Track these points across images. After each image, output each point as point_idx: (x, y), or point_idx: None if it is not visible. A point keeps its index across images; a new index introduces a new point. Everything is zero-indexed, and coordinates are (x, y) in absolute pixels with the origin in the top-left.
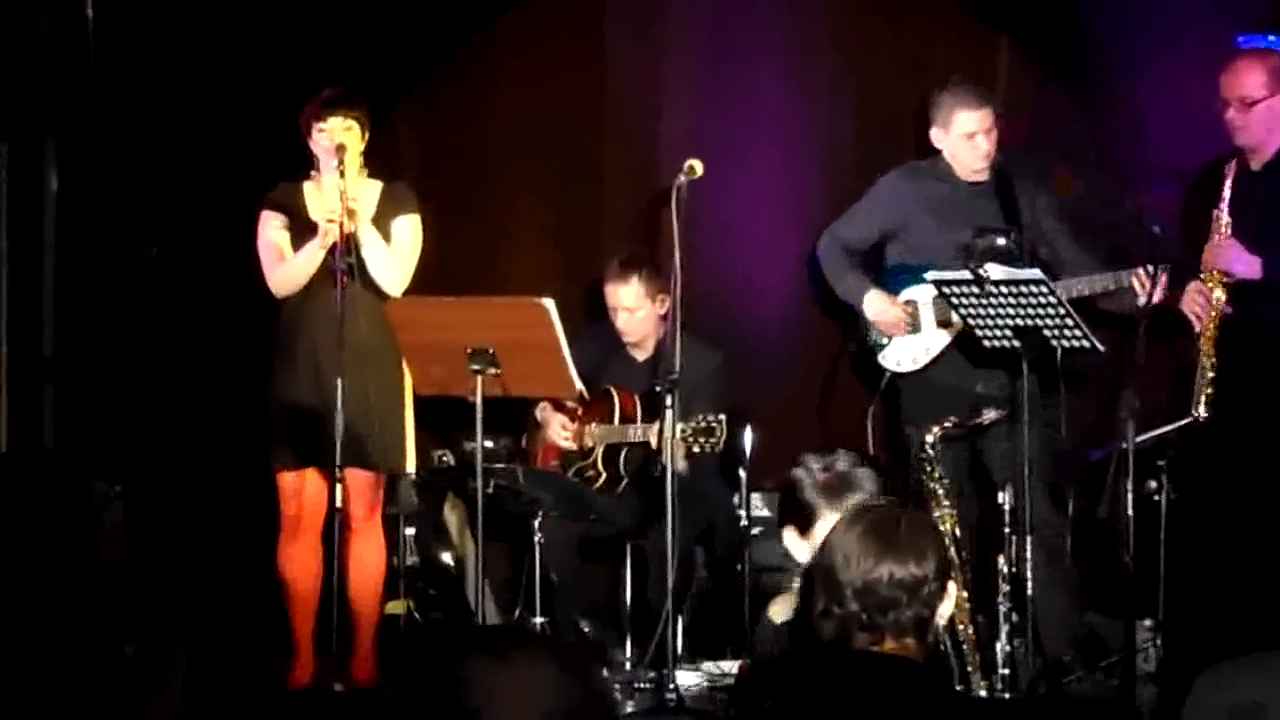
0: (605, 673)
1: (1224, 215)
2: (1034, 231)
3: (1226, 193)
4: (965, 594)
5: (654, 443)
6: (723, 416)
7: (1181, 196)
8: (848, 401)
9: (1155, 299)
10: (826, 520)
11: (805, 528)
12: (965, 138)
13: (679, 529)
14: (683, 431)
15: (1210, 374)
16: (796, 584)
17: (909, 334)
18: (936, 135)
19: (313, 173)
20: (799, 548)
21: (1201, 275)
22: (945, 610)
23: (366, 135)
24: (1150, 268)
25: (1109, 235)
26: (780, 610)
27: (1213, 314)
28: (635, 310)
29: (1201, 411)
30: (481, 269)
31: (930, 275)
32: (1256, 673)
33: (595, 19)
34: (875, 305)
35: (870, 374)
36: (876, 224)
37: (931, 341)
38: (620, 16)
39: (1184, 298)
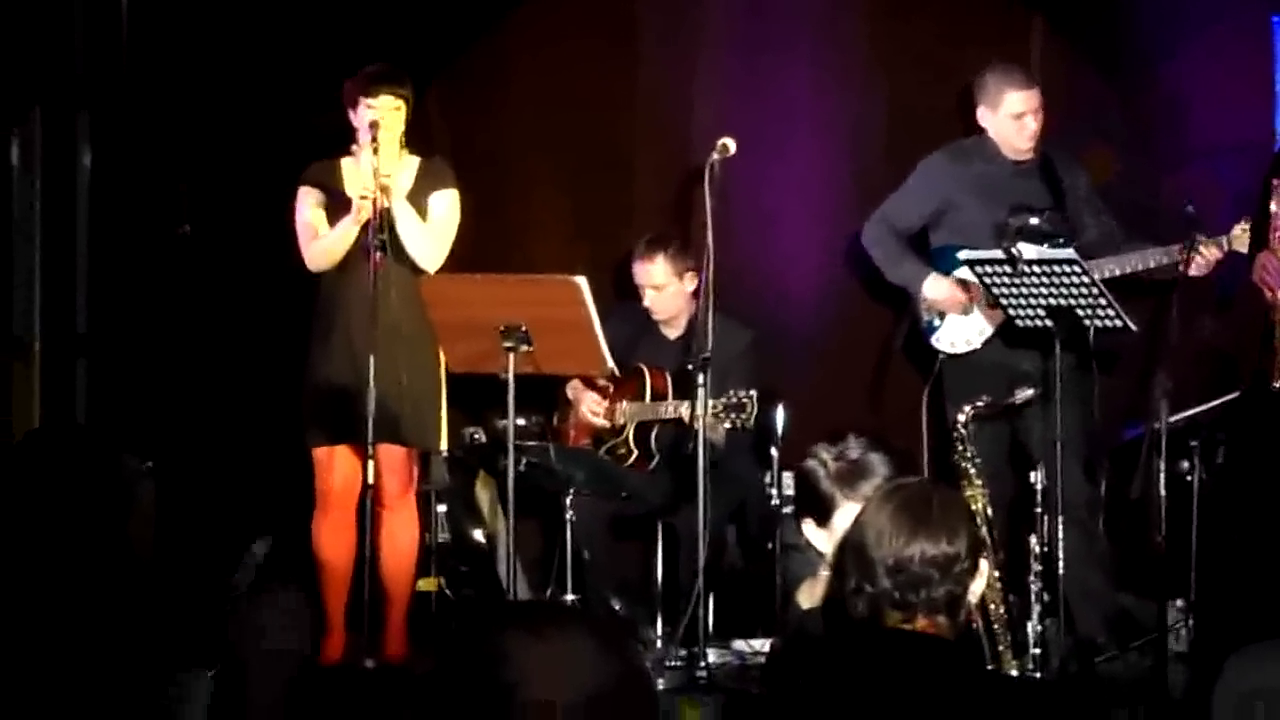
0: (641, 649)
1: None
2: (1076, 211)
3: None
4: (997, 573)
5: (686, 419)
6: (754, 392)
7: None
8: (898, 386)
9: (1192, 272)
10: (844, 509)
11: (824, 518)
12: (1013, 118)
13: (710, 508)
14: (714, 408)
15: None
16: (824, 570)
17: (962, 315)
18: (983, 114)
19: (353, 147)
20: (819, 538)
21: (1270, 246)
22: (977, 588)
23: (409, 114)
24: (1186, 243)
25: (1146, 217)
26: (808, 595)
27: None
28: (663, 288)
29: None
30: (512, 252)
31: (963, 255)
32: None
33: (627, 5)
34: (938, 288)
35: (921, 357)
36: (924, 206)
37: (984, 323)
38: (652, 3)
39: (1254, 268)
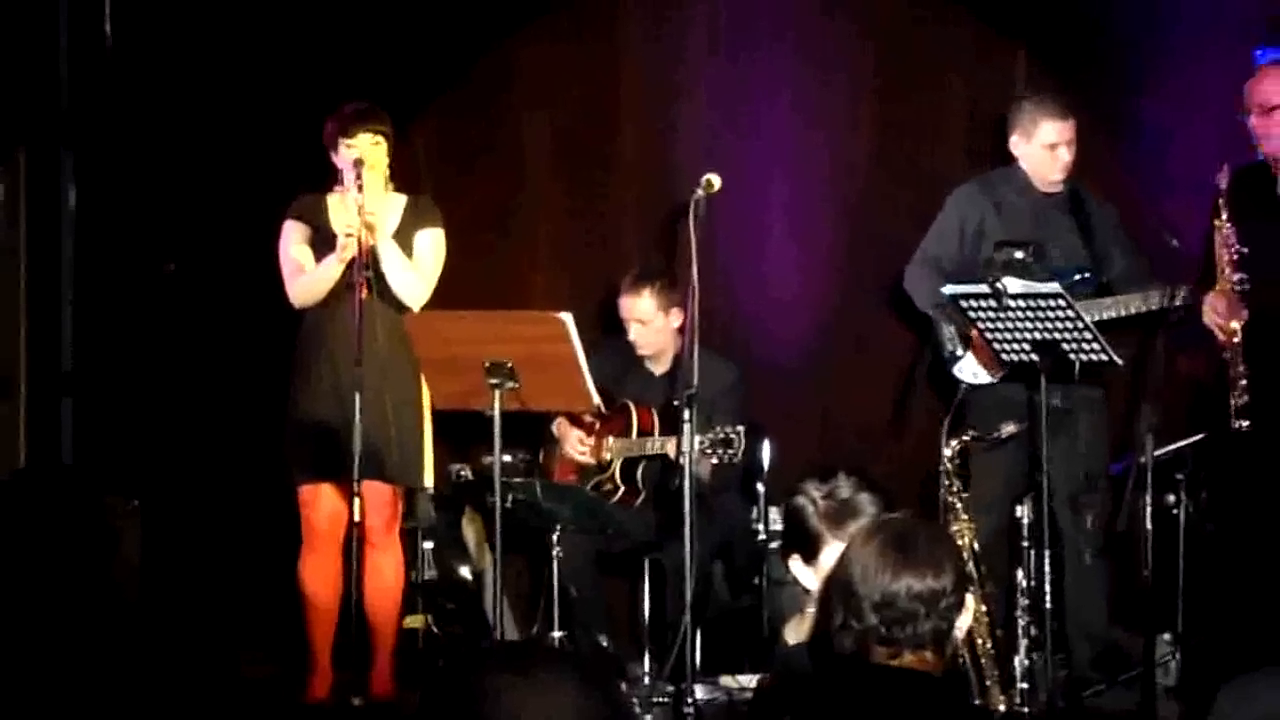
0: (624, 686)
1: (1224, 225)
2: (1103, 245)
3: (1222, 200)
4: (984, 608)
5: (672, 455)
6: (741, 428)
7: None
8: (918, 415)
9: (1173, 318)
10: (831, 548)
11: (811, 556)
12: (1048, 148)
13: (696, 543)
14: (701, 444)
15: (1243, 383)
16: (811, 607)
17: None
18: (1016, 143)
19: (337, 187)
20: (806, 575)
21: (1217, 286)
22: (963, 623)
23: (391, 149)
24: (1171, 289)
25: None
26: (795, 631)
27: (1234, 324)
28: (649, 322)
29: (1243, 422)
30: (498, 285)
31: (947, 290)
32: None
33: (611, 44)
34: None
35: (942, 387)
36: (955, 234)
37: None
38: (636, 36)
39: (1204, 310)
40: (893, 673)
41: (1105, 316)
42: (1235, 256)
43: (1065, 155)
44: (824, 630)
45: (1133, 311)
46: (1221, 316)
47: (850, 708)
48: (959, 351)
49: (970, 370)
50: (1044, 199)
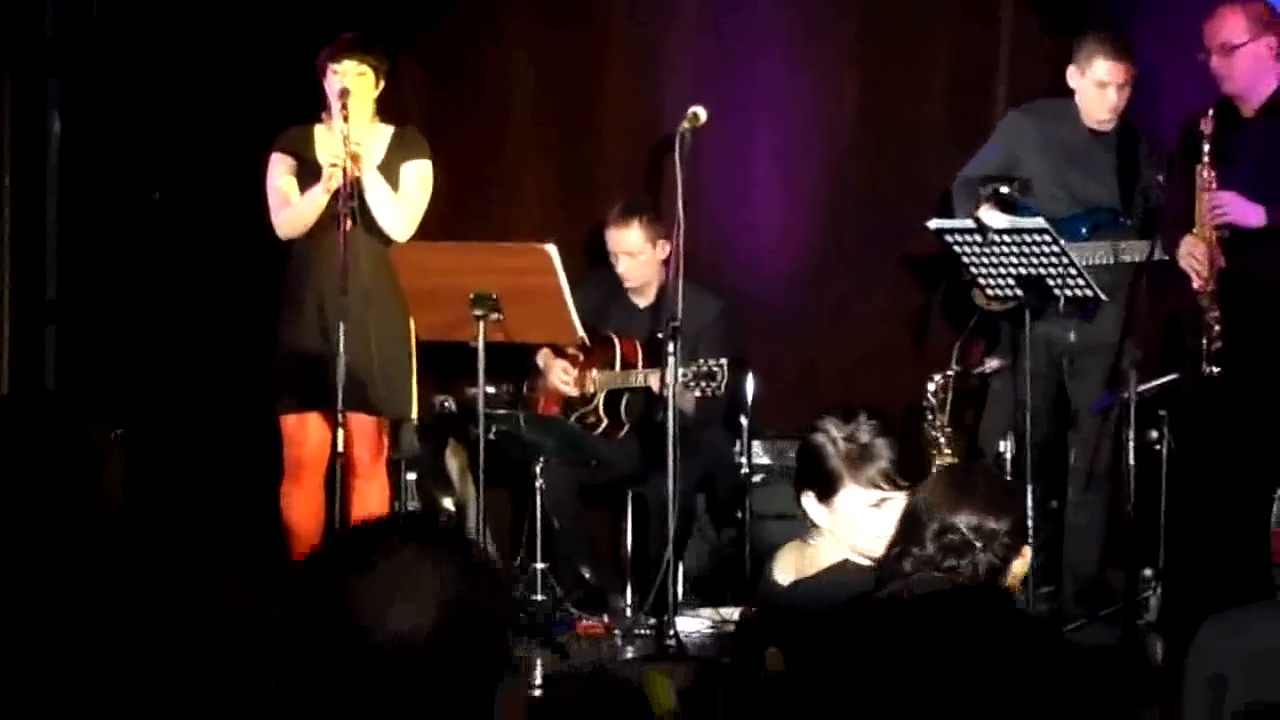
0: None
1: (1205, 170)
2: (1145, 190)
3: (1206, 146)
4: None
5: (656, 388)
6: (724, 361)
7: (1173, 153)
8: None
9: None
10: (849, 490)
11: (826, 495)
12: (1097, 85)
13: (679, 476)
14: (684, 376)
15: (1216, 328)
16: (810, 541)
17: None
18: (1072, 74)
19: (323, 115)
20: (819, 512)
21: (1194, 230)
22: (1018, 569)
23: (381, 82)
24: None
25: None
26: (785, 568)
27: (1209, 268)
28: (636, 254)
29: (1214, 367)
30: (483, 218)
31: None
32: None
33: None
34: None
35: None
36: (994, 156)
37: None
38: None
39: (1180, 253)
40: (940, 594)
41: (1099, 261)
42: (1217, 205)
43: (1113, 96)
44: (887, 560)
45: (1120, 260)
46: (1199, 262)
47: (902, 636)
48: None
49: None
50: (1090, 135)
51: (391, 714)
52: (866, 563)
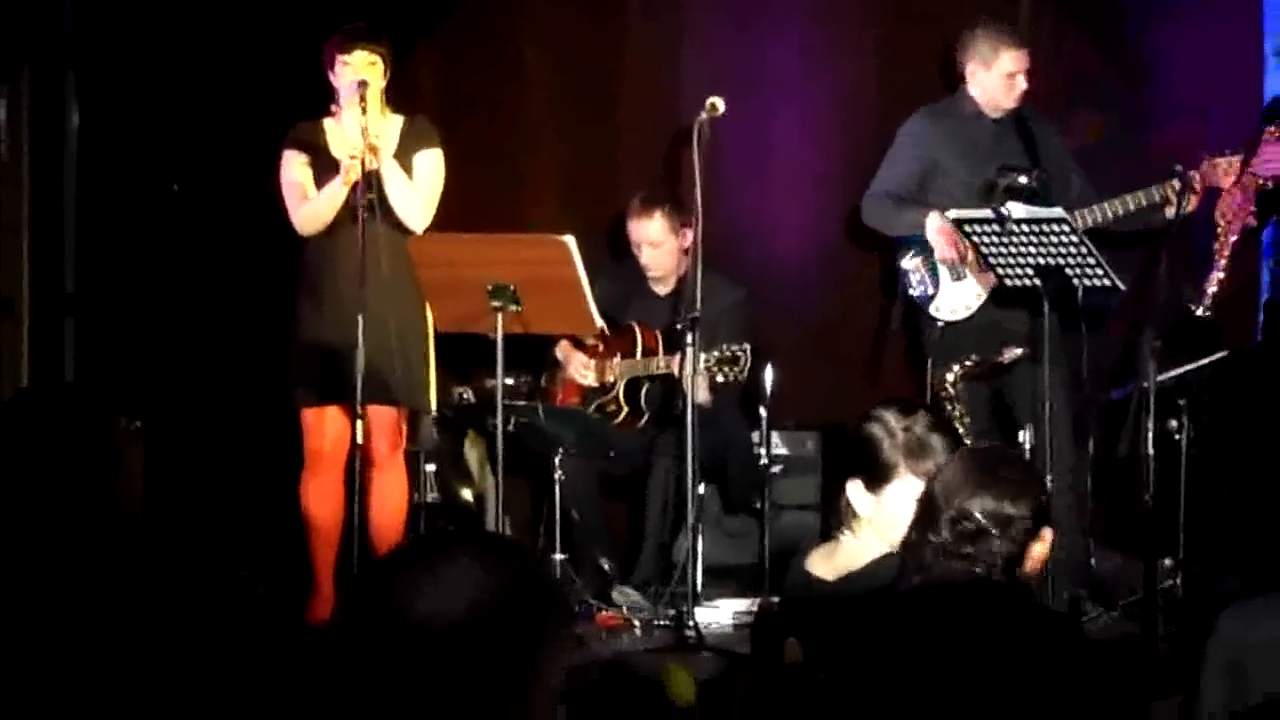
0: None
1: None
2: (1057, 168)
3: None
4: None
5: (676, 373)
6: (747, 346)
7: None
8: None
9: (1190, 208)
10: (902, 480)
11: (877, 484)
12: (1007, 77)
13: (680, 456)
14: (706, 361)
15: (1221, 276)
16: (844, 536)
17: (955, 280)
18: (973, 70)
19: (333, 108)
20: (865, 502)
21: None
22: (1038, 553)
23: (389, 72)
24: (1176, 181)
25: (1133, 178)
26: (820, 561)
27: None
28: (660, 244)
29: (1207, 312)
30: (501, 209)
31: (952, 214)
32: None
33: None
34: (938, 222)
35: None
36: (913, 167)
37: (978, 287)
38: None
39: (1219, 204)
40: (960, 583)
41: (1091, 223)
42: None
43: (1022, 83)
44: (909, 547)
45: (1112, 216)
46: (1230, 213)
47: (919, 615)
48: (929, 290)
49: (947, 307)
50: (993, 125)
51: (409, 694)
52: None
